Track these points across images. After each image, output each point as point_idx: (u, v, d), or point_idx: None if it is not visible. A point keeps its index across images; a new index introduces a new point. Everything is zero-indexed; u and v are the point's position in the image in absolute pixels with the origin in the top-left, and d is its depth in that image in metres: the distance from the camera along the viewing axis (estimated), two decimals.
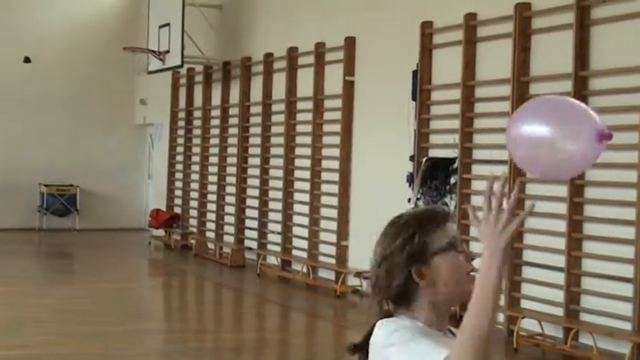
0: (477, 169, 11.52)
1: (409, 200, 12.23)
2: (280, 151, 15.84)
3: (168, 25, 17.81)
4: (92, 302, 12.67)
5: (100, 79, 22.48)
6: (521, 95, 10.68)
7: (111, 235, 21.30)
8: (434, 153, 12.23)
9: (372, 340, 2.63)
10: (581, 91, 9.91)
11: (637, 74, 9.25)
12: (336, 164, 14.25)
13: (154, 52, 18.35)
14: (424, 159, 12.18)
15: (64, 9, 22.24)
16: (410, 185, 12.33)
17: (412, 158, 12.36)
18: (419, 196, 12.07)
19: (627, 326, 9.20)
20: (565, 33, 10.12)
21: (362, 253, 13.40)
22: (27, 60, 21.66)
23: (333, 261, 14.14)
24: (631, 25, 9.43)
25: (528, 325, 10.26)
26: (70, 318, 11.40)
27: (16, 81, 21.75)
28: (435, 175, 11.97)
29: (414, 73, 12.41)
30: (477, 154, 11.55)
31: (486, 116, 11.46)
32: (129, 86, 22.58)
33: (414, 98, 12.40)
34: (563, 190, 9.96)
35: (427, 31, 12.30)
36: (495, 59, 11.21)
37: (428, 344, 2.45)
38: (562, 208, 9.92)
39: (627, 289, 9.14)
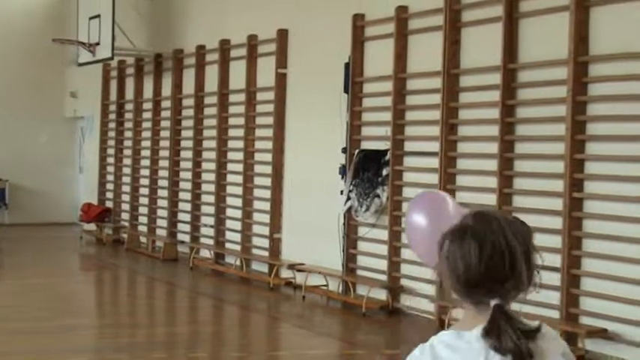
0: (408, 161, 11.62)
1: (342, 192, 12.28)
2: (213, 144, 15.79)
3: (98, 16, 17.63)
4: (21, 298, 12.52)
5: (30, 71, 22.16)
6: (451, 87, 10.80)
7: (41, 229, 21.03)
8: (366, 145, 12.29)
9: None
10: (509, 84, 10.05)
11: (563, 67, 9.39)
12: (268, 157, 14.24)
13: (83, 43, 18.15)
14: (356, 151, 12.24)
15: None
16: (342, 177, 12.37)
17: (344, 150, 12.40)
18: (351, 188, 12.12)
19: (555, 314, 9.35)
20: (494, 26, 10.24)
21: (295, 246, 13.52)
22: None
23: (266, 254, 14.14)
24: (556, 19, 9.56)
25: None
26: None
27: None
28: (367, 167, 12.03)
29: (346, 65, 12.45)
30: (409, 146, 11.64)
31: (417, 109, 11.56)
32: (59, 79, 22.31)
33: (346, 91, 12.44)
34: (493, 182, 10.09)
35: (359, 23, 12.35)
36: (426, 52, 11.30)
37: None
38: (491, 199, 10.04)
39: (555, 278, 9.29)
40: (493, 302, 2.43)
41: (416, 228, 3.46)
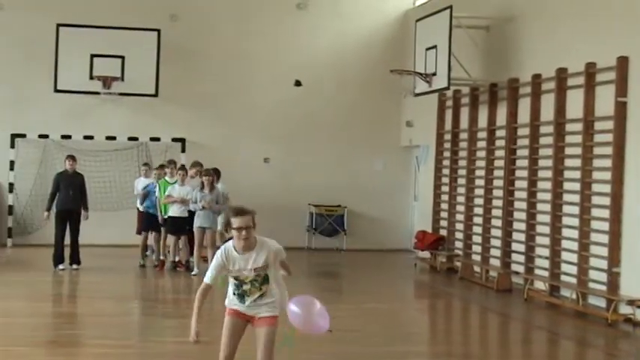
0: None
1: None
2: (548, 173, 15.50)
3: (434, 47, 17.89)
4: (359, 322, 12.84)
5: (367, 101, 22.91)
6: None
7: (376, 255, 21.57)
8: None
9: None
10: None
11: None
12: (607, 188, 13.78)
13: (420, 74, 18.46)
14: None
15: (331, 33, 22.84)
16: None
17: None
18: None
19: None
20: None
21: (635, 280, 12.92)
22: (298, 84, 22.40)
23: (603, 288, 13.66)
24: None
25: None
26: (337, 337, 11.58)
27: (287, 104, 22.55)
28: None
29: None
30: None
31: None
32: (395, 109, 22.87)
33: None
34: None
35: None
36: None
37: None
38: None
39: None
40: None
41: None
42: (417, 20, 19.08)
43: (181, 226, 17.32)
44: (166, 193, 17.41)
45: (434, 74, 18.03)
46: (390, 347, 11.09)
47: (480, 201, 18.32)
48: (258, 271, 7.15)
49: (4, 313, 13.03)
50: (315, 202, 22.52)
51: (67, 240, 17.32)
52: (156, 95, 21.29)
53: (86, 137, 21.64)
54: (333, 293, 16.47)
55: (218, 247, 17.42)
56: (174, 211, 17.39)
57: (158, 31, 21.22)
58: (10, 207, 21.62)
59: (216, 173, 17.84)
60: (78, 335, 11.72)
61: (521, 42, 16.94)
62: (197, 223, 16.88)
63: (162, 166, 18.66)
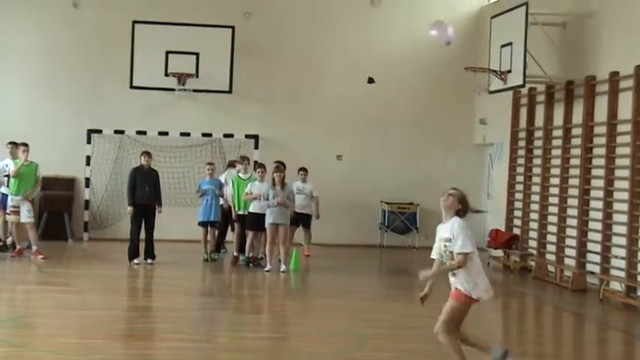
0: None
1: None
2: (626, 173, 15.26)
3: (510, 44, 17.73)
4: (432, 321, 12.75)
5: (440, 98, 22.80)
6: None
7: None
8: None
9: None
10: None
11: None
12: None
13: (495, 71, 18.31)
14: None
15: (404, 30, 22.76)
16: None
17: None
18: None
19: None
20: None
21: None
22: (371, 81, 22.40)
23: None
24: None
25: None
26: (409, 336, 11.56)
27: (360, 101, 22.55)
28: None
29: None
30: None
31: None
32: (469, 106, 22.71)
33: None
34: None
35: None
36: None
37: None
38: None
39: None
40: None
41: None
42: (493, 17, 18.93)
43: (262, 223, 17.19)
44: (246, 190, 17.44)
45: (509, 71, 17.86)
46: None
47: (554, 200, 18.10)
48: None
49: (81, 306, 13.24)
50: (388, 200, 22.47)
51: (142, 235, 17.52)
52: (230, 92, 21.43)
53: (161, 133, 21.89)
54: (406, 290, 16.41)
55: (291, 243, 17.63)
56: (254, 207, 17.36)
57: (232, 28, 21.36)
58: (87, 201, 21.95)
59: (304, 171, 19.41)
60: (153, 329, 11.85)
61: (599, 39, 16.70)
62: (270, 219, 16.92)
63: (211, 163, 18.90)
